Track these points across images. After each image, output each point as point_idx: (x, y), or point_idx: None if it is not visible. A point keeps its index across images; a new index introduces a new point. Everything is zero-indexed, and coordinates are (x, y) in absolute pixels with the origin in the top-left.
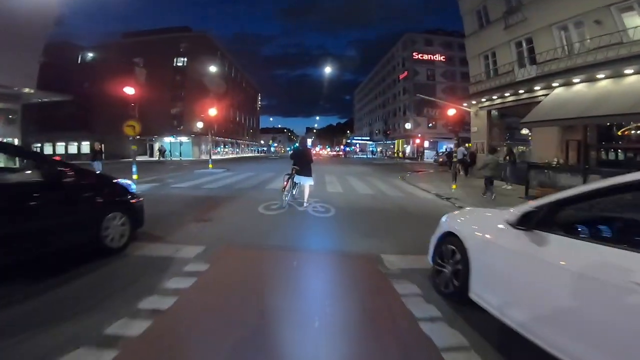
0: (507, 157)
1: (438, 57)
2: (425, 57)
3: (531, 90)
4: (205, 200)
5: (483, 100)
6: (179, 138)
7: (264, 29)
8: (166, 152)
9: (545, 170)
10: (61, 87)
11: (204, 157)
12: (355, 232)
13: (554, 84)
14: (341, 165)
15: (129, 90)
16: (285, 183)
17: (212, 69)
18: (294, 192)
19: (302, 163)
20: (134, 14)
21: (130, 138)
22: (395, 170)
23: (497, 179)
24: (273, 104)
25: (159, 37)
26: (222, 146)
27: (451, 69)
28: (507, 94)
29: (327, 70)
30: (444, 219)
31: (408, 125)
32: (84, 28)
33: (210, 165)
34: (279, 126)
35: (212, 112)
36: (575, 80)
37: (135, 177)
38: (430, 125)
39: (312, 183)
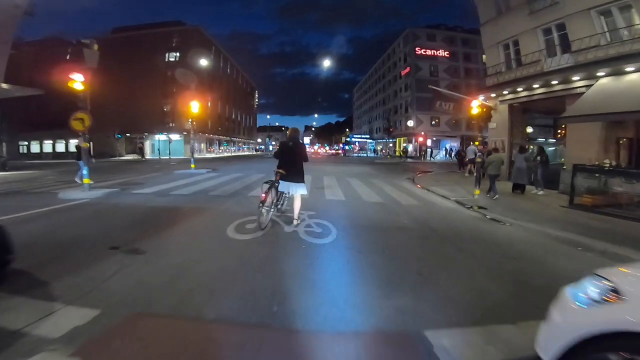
0: (538, 158)
1: (441, 53)
2: (428, 52)
3: (567, 81)
4: (162, 214)
5: (505, 92)
6: (170, 136)
7: (261, 27)
8: (157, 150)
9: (597, 174)
10: (46, 83)
11: (197, 155)
12: (369, 276)
13: (599, 74)
14: (341, 165)
15: (77, 77)
16: (263, 195)
17: (206, 64)
18: (280, 206)
19: (291, 164)
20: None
21: (80, 134)
22: (400, 171)
23: (526, 183)
24: (271, 102)
25: (150, 31)
26: (217, 144)
27: (454, 65)
28: (535, 86)
29: (326, 63)
30: (579, 296)
31: (410, 123)
32: (80, 24)
33: (192, 166)
34: (277, 124)
35: (195, 108)
36: (629, 68)
37: (85, 181)
38: (433, 123)
39: (304, 192)
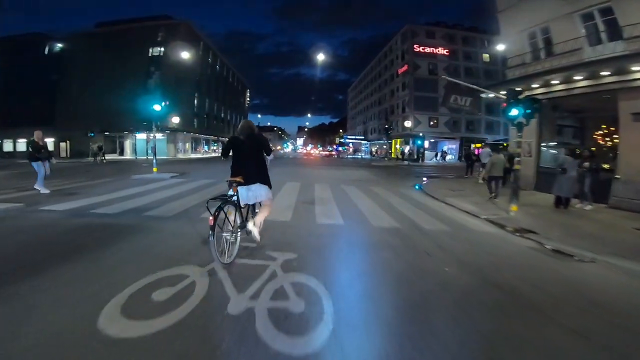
0: (587, 164)
1: (440, 51)
2: (427, 49)
3: (623, 72)
4: (22, 262)
5: (535, 86)
6: (152, 134)
7: (258, 27)
8: (142, 150)
9: None
10: (25, 80)
11: (180, 155)
12: None
13: None
14: (335, 169)
15: None
16: (211, 219)
17: (192, 59)
18: (249, 228)
19: (247, 164)
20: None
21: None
22: (402, 176)
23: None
24: (266, 103)
25: (135, 25)
26: (205, 144)
27: (454, 64)
28: (578, 77)
29: (320, 57)
30: None
31: (407, 123)
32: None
33: (154, 169)
34: (268, 124)
35: (157, 107)
36: None
37: None
38: (432, 123)
39: (268, 199)
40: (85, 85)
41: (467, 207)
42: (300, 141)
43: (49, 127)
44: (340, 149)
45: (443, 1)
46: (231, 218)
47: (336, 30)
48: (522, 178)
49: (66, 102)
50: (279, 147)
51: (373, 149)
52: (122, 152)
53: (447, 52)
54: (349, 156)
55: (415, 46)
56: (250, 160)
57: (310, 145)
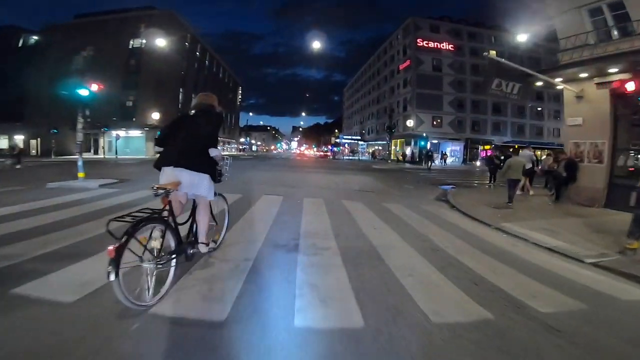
0: None
1: (445, 46)
2: (431, 44)
3: None
4: None
5: (613, 70)
6: (129, 132)
7: (255, 27)
8: (120, 148)
9: None
10: None
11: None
12: None
13: None
14: (331, 173)
15: None
16: (111, 249)
17: (176, 52)
18: (195, 251)
19: (183, 146)
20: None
21: None
22: (413, 183)
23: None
24: (262, 102)
25: (115, 16)
26: None
27: (460, 60)
28: None
29: (316, 47)
30: None
31: (409, 123)
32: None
33: (80, 174)
34: (260, 123)
35: (83, 92)
36: None
37: None
38: (435, 123)
39: (205, 194)
40: (59, 80)
41: (545, 241)
42: (295, 141)
43: (18, 124)
44: (335, 149)
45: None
46: (155, 243)
47: (333, 31)
48: (585, 191)
49: (39, 97)
50: (272, 147)
51: (370, 150)
52: (96, 151)
53: (452, 47)
54: (344, 157)
55: (418, 40)
56: (187, 143)
57: (304, 145)
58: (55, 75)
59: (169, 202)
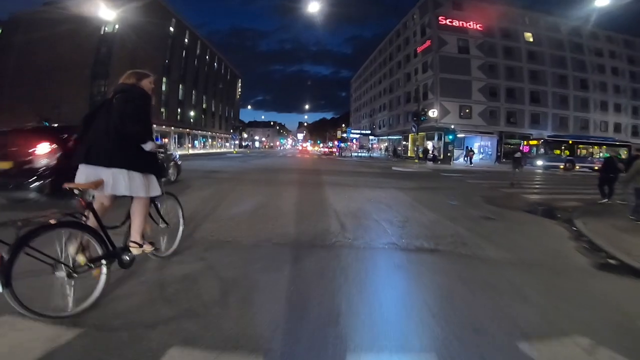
0: None
1: (472, 25)
2: (455, 22)
3: None
4: None
5: None
6: None
7: (260, 24)
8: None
9: None
10: None
11: None
12: None
13: None
14: (333, 185)
15: None
16: None
17: (158, 39)
18: (129, 256)
19: (99, 137)
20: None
21: None
22: (468, 197)
23: None
24: (269, 99)
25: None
26: (187, 138)
27: (490, 41)
28: None
29: (314, 7)
30: None
31: (432, 113)
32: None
33: None
34: (262, 117)
35: None
36: None
37: None
38: (462, 113)
39: (139, 194)
40: (29, 72)
41: None
42: (300, 137)
43: None
44: (342, 145)
45: None
46: (71, 249)
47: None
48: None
49: (9, 91)
50: (276, 144)
51: (383, 146)
52: None
53: (480, 26)
54: (353, 154)
55: (440, 18)
56: (107, 131)
57: (309, 141)
58: (27, 66)
59: (89, 204)
